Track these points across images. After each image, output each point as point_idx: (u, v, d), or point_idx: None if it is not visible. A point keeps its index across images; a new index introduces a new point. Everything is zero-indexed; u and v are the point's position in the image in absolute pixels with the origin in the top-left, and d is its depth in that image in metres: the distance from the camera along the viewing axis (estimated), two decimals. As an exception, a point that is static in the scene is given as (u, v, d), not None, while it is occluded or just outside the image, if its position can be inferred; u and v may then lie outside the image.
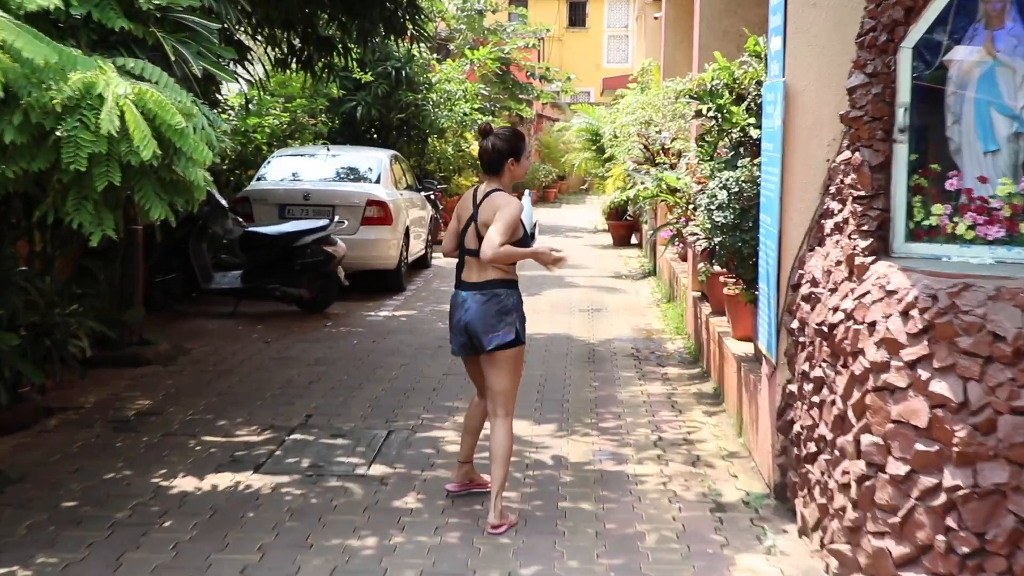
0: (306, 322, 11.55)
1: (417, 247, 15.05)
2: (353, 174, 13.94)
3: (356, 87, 18.70)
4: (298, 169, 13.98)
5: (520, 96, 29.78)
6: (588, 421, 7.60)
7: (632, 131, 13.92)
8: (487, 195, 5.59)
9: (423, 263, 16.00)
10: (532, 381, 8.76)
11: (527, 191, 6.04)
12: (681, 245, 10.29)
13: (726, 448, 6.94)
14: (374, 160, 14.23)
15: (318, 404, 7.98)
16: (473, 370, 5.83)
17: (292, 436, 7.13)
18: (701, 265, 8.30)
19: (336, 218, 12.41)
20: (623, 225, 20.42)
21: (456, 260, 5.72)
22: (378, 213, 13.06)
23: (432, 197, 16.75)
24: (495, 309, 5.48)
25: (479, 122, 21.70)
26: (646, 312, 12.55)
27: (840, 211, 5.36)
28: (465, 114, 21.12)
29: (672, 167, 10.50)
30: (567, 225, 25.10)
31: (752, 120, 7.13)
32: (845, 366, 4.84)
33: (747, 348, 7.50)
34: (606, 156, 18.64)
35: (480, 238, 5.52)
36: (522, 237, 5.53)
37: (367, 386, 8.59)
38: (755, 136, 7.08)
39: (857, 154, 5.19)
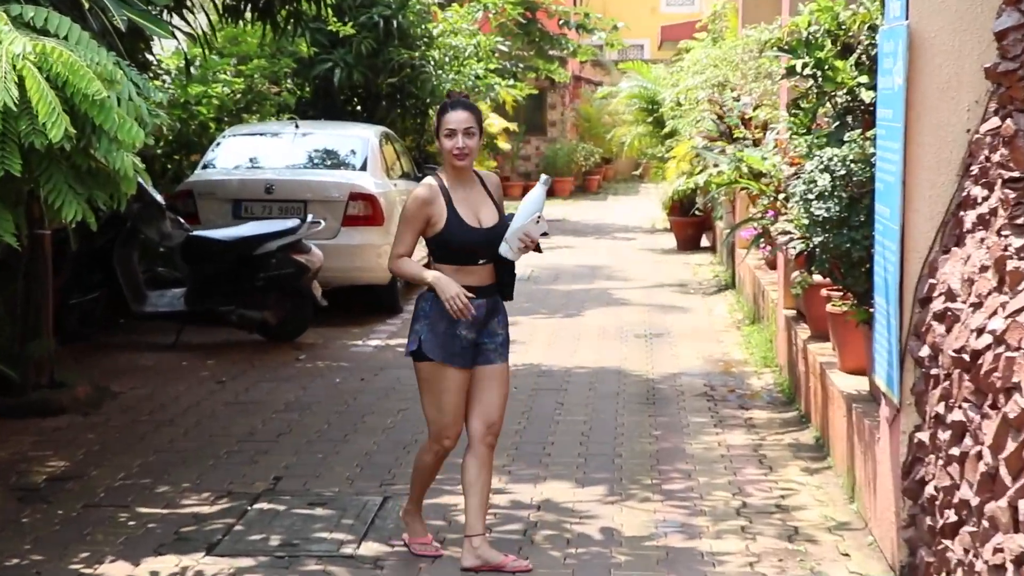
0: (272, 355, 11.57)
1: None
2: (331, 159, 13.96)
3: (332, 43, 18.74)
4: (257, 153, 14.00)
5: (550, 52, 29.87)
6: (648, 482, 7.57)
7: (701, 97, 13.91)
8: None
9: (425, 275, 15.98)
10: (573, 429, 8.73)
11: (544, 176, 6.37)
12: (768, 248, 10.27)
13: (833, 517, 6.91)
14: (358, 140, 14.24)
15: (290, 463, 7.98)
16: None
17: (256, 505, 7.12)
18: (796, 274, 8.25)
19: (310, 217, 12.40)
20: (690, 222, 20.41)
21: None
22: (365, 210, 13.07)
23: (436, 187, 16.78)
24: (413, 314, 6.25)
25: (496, 87, 21.88)
26: (722, 337, 12.54)
27: (985, 199, 5.32)
28: (478, 77, 21.09)
29: (756, 144, 10.48)
30: (615, 224, 25.13)
31: (864, 79, 7.12)
32: (995, 407, 4.78)
33: (860, 384, 7.47)
34: (666, 131, 18.66)
35: None
36: (441, 232, 6.41)
37: (354, 438, 8.59)
38: (868, 100, 7.05)
39: (1009, 121, 5.14)
